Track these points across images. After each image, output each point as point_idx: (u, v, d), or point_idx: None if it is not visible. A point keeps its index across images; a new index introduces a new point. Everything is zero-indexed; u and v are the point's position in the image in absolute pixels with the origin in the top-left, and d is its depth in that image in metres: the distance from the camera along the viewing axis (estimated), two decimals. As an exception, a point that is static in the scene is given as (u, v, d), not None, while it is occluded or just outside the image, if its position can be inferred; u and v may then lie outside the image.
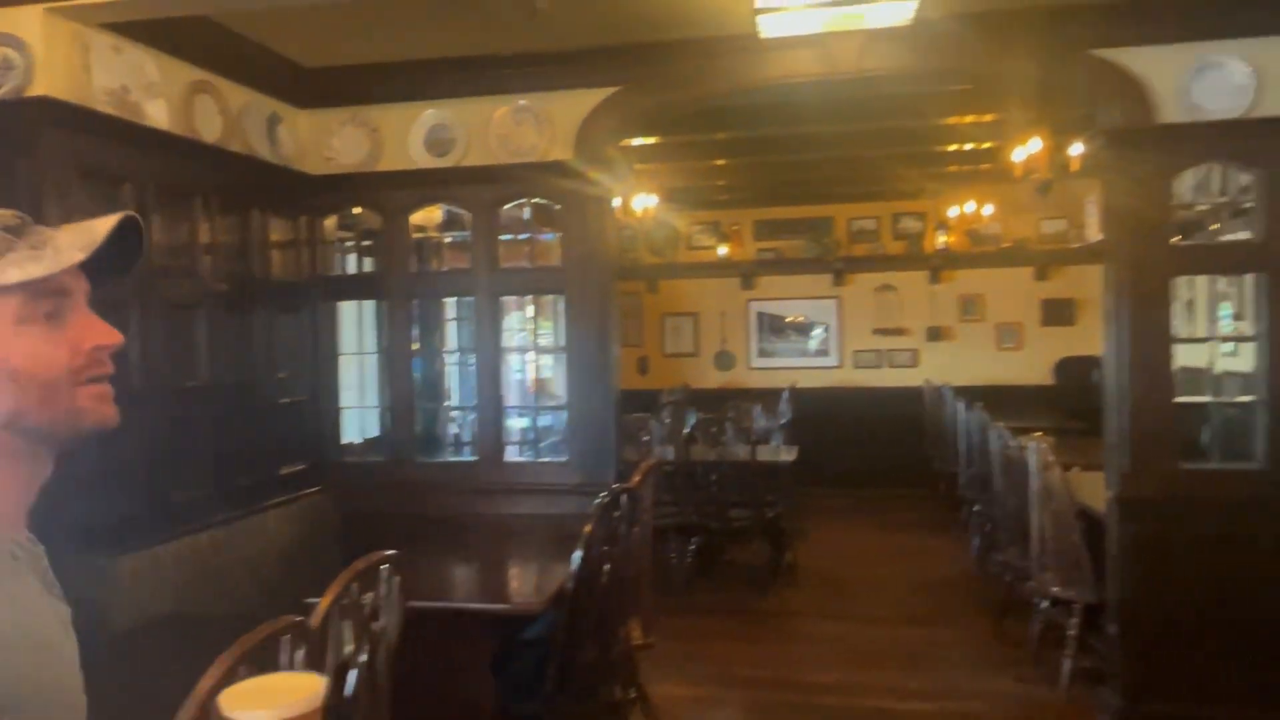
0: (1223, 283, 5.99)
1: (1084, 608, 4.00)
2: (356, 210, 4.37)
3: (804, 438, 6.97)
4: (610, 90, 3.95)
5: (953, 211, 8.15)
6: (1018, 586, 4.86)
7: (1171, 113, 3.53)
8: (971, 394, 7.36)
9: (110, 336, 0.94)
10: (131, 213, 0.95)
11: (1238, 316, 5.84)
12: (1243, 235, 3.66)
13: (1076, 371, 8.69)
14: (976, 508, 6.18)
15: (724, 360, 9.66)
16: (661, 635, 3.89)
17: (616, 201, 4.85)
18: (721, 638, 5.06)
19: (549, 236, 4.28)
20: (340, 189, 4.21)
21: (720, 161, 7.26)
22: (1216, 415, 3.65)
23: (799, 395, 8.09)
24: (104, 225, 0.92)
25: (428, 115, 4.09)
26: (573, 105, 3.99)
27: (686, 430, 6.23)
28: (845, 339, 9.34)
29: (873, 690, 4.30)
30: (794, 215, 9.36)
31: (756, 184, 8.51)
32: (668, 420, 6.72)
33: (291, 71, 4.05)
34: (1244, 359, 3.66)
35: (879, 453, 8.84)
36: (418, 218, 4.32)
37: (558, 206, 4.08)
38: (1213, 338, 3.85)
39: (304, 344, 4.15)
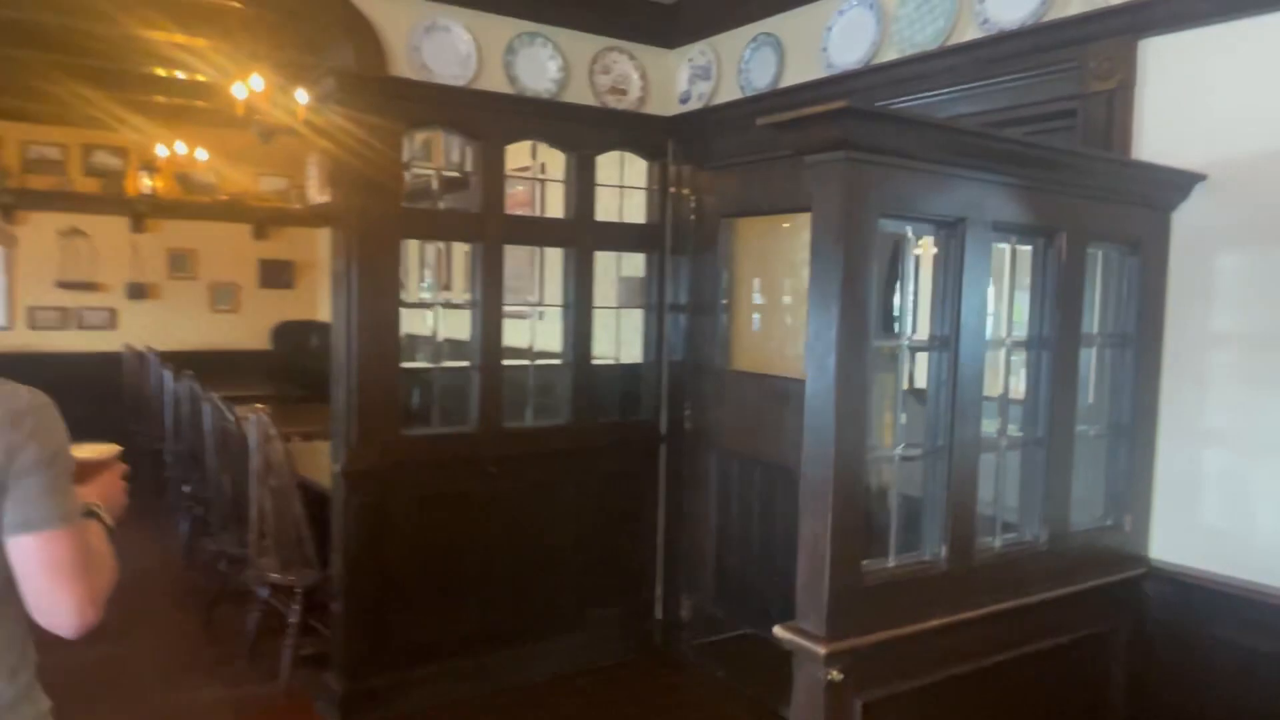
0: (429, 251, 6.38)
1: (307, 591, 3.71)
2: None
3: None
4: None
5: (161, 151, 7.12)
6: (234, 576, 4.35)
7: (404, 68, 3.40)
8: (182, 360, 6.58)
9: None
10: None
11: (445, 287, 6.29)
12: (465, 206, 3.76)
13: (296, 336, 8.50)
14: (186, 489, 5.46)
15: None
16: None
17: None
18: None
19: None
20: None
21: None
22: (439, 381, 3.68)
23: (-56, 362, 6.17)
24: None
25: None
26: None
27: None
28: (18, 293, 7.51)
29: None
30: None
31: None
32: None
33: None
34: (461, 325, 3.77)
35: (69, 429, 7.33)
36: None
37: None
38: (440, 304, 3.86)
39: None
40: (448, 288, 5.73)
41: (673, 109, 4.00)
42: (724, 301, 3.90)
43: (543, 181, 4.00)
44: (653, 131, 4.00)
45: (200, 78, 5.62)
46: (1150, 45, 2.36)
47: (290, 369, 8.21)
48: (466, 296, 3.73)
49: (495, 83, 3.60)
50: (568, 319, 3.91)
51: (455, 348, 3.85)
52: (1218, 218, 2.25)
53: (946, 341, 1.91)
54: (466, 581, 3.67)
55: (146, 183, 7.69)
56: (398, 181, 3.45)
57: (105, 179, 7.74)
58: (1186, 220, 2.30)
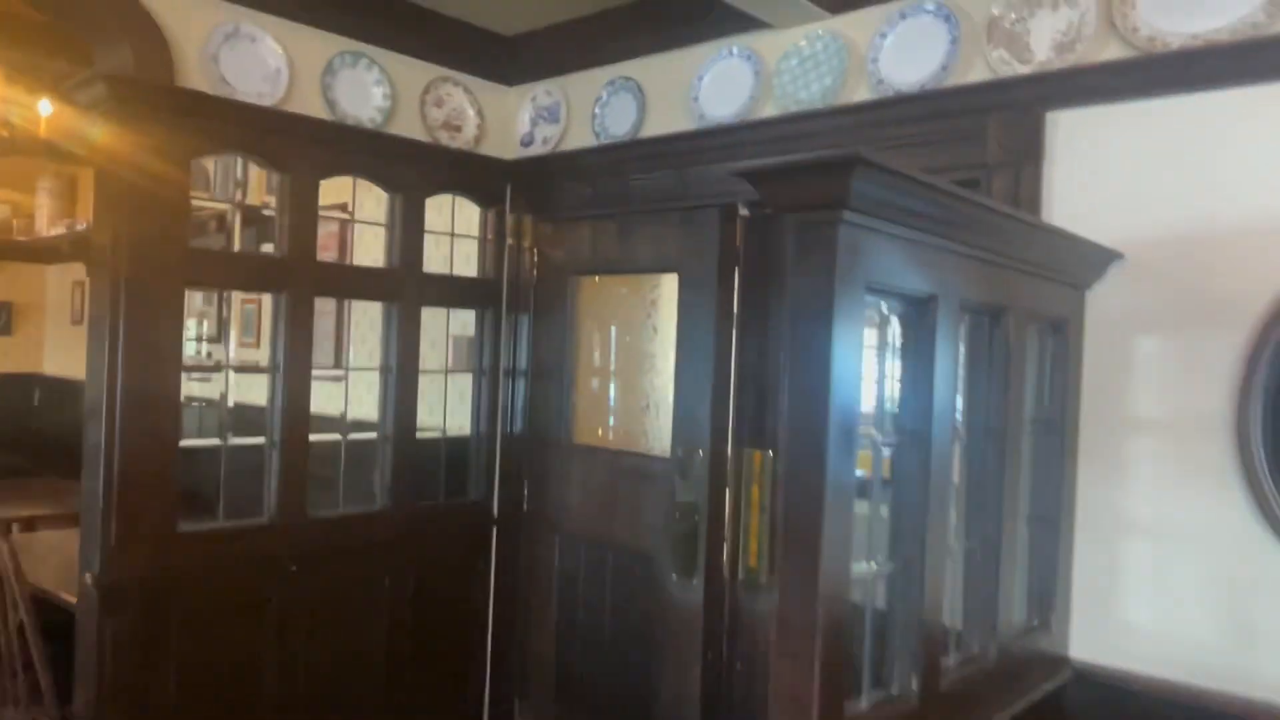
0: (199, 300, 5.49)
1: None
2: None
3: None
4: None
5: None
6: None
7: (197, 79, 2.77)
8: None
9: None
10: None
11: (211, 339, 5.41)
12: (266, 247, 3.12)
13: (14, 394, 7.11)
14: None
15: None
16: None
17: None
18: None
19: None
20: None
21: None
22: (229, 461, 2.99)
23: None
24: None
25: None
26: None
27: None
28: None
29: None
30: None
31: None
32: None
33: None
34: (252, 388, 3.12)
35: None
36: None
37: None
38: (231, 367, 3.15)
39: None
40: (214, 340, 4.87)
41: (512, 152, 3.60)
42: (570, 368, 3.51)
43: (353, 223, 3.44)
44: (490, 175, 3.57)
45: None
46: (1060, 118, 2.28)
47: (5, 434, 6.83)
48: (259, 352, 3.09)
49: (310, 106, 3.04)
50: (387, 384, 3.36)
51: (244, 417, 3.18)
52: (1133, 298, 2.17)
53: (918, 435, 1.64)
54: (262, 708, 2.98)
55: None
56: (183, 214, 2.79)
57: None
58: (1102, 300, 2.21)
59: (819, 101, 2.70)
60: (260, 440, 3.03)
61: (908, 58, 2.52)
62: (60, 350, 7.21)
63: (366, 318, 4.02)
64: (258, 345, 4.96)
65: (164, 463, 2.74)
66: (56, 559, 3.49)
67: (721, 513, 2.94)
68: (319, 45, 3.07)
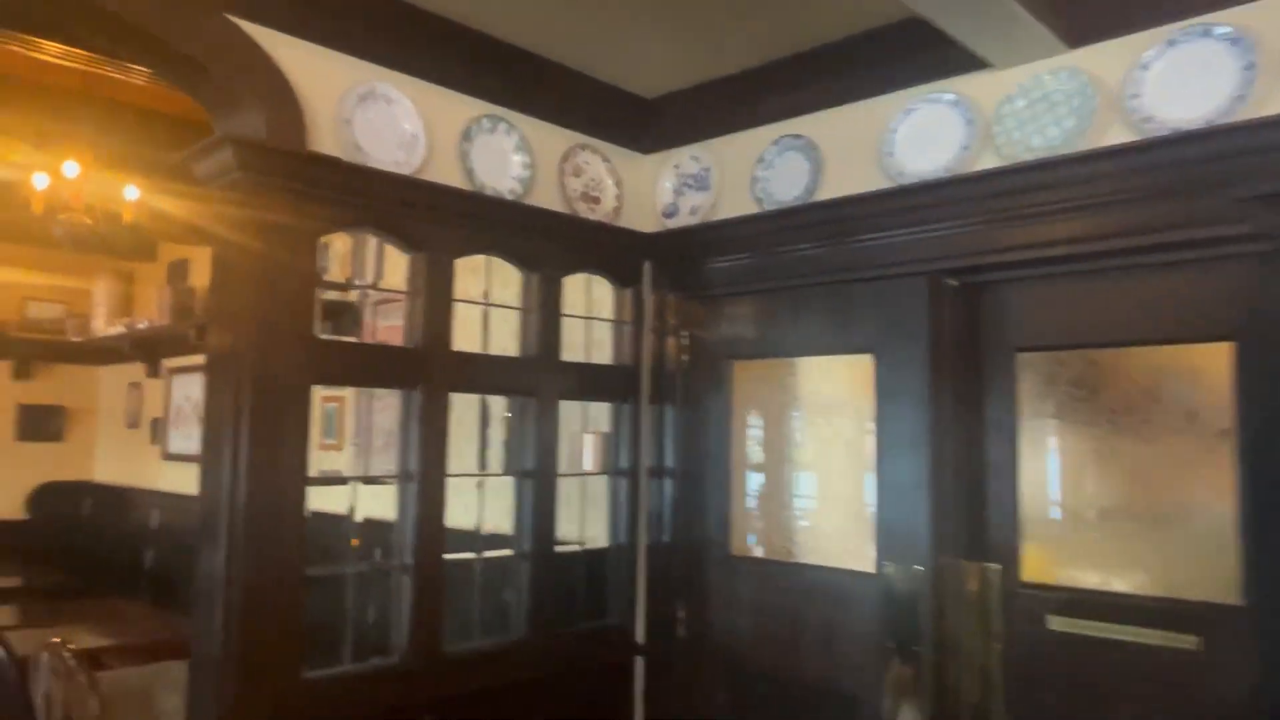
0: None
1: None
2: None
3: None
4: None
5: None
6: None
7: (330, 145, 2.41)
8: None
9: None
10: None
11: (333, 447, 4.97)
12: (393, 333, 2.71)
13: (63, 503, 6.69)
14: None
15: None
16: None
17: None
18: None
19: None
20: None
21: None
22: (353, 589, 2.52)
23: None
24: None
25: None
26: None
27: None
28: None
29: None
30: None
31: None
32: None
33: None
34: (384, 503, 2.67)
35: None
36: None
37: None
38: (357, 478, 2.70)
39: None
40: (336, 448, 4.41)
41: (651, 224, 3.22)
42: (726, 464, 3.04)
43: (489, 308, 3.00)
44: (629, 251, 3.18)
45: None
46: None
47: (52, 547, 6.38)
48: (340, 457, 2.65)
49: (448, 174, 2.68)
50: (523, 492, 2.91)
51: (369, 534, 2.73)
52: None
53: None
54: None
55: None
56: (311, 300, 2.39)
57: None
58: None
59: (1061, 147, 2.29)
60: (390, 563, 2.57)
61: (1182, 91, 2.12)
62: (112, 456, 6.81)
63: (471, 414, 3.58)
64: (340, 448, 4.54)
65: (291, 596, 2.28)
66: (136, 703, 3.01)
67: (952, 642, 2.44)
68: (457, 108, 2.72)
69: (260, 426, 2.25)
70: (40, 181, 3.34)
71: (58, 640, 2.51)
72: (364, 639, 2.53)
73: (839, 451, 2.81)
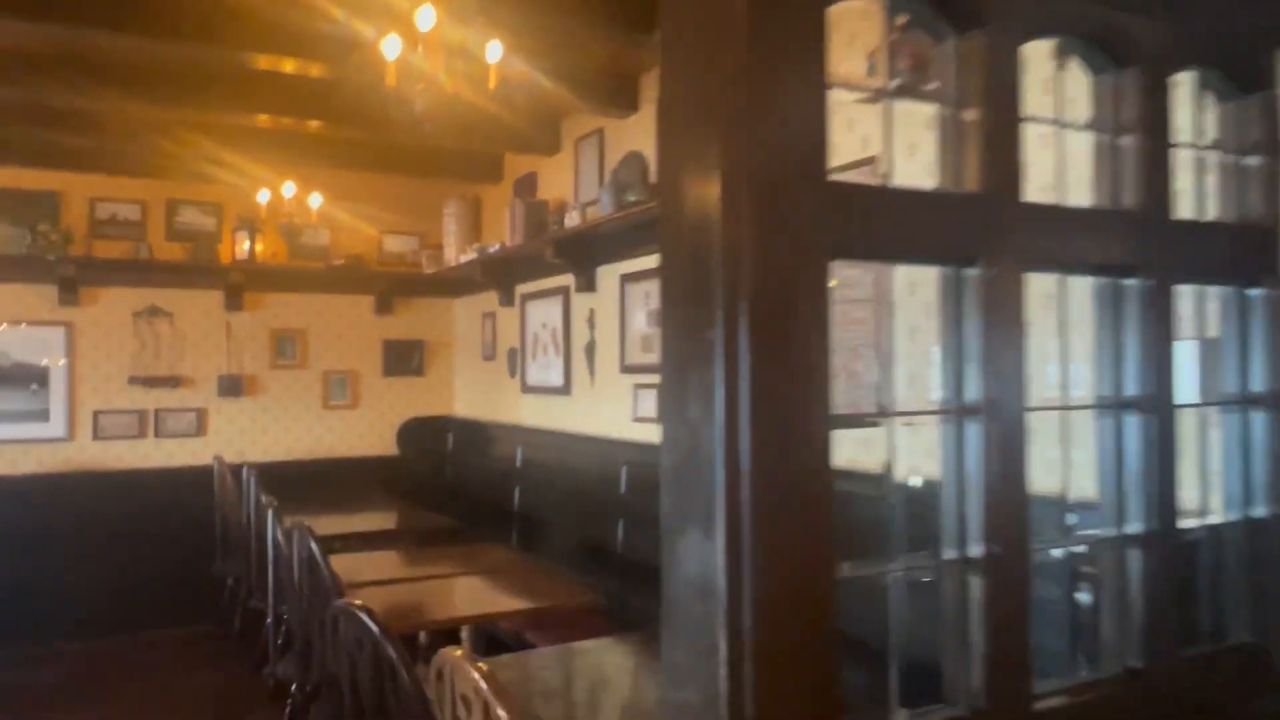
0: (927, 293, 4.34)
1: None
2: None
3: None
4: None
5: (263, 197, 5.33)
6: None
7: None
8: (287, 473, 5.06)
9: None
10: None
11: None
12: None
13: (428, 438, 6.59)
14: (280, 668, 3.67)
15: None
16: None
17: None
18: None
19: None
20: None
21: None
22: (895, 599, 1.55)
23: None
24: None
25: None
26: None
27: None
28: (80, 393, 5.77)
29: None
30: (-13, 178, 5.58)
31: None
32: None
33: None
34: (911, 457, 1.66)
35: (143, 571, 5.57)
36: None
37: None
38: (896, 414, 1.67)
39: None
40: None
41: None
42: None
43: (1061, 129, 1.87)
44: (1247, 33, 1.89)
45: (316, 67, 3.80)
46: None
47: (419, 480, 6.27)
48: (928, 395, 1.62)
49: (1015, -106, 1.55)
50: (1122, 435, 1.77)
51: (909, 502, 1.74)
52: None
53: None
54: None
55: (245, 245, 5.95)
56: (819, 114, 1.39)
57: (194, 242, 6.03)
58: None
59: None
60: (949, 555, 1.56)
61: None
62: (471, 390, 6.57)
63: (920, 309, 2.47)
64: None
65: (821, 600, 1.34)
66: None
67: None
68: None
69: (763, 332, 1.30)
70: (391, 48, 2.70)
71: (481, 669, 1.79)
72: (910, 677, 1.56)
73: None
